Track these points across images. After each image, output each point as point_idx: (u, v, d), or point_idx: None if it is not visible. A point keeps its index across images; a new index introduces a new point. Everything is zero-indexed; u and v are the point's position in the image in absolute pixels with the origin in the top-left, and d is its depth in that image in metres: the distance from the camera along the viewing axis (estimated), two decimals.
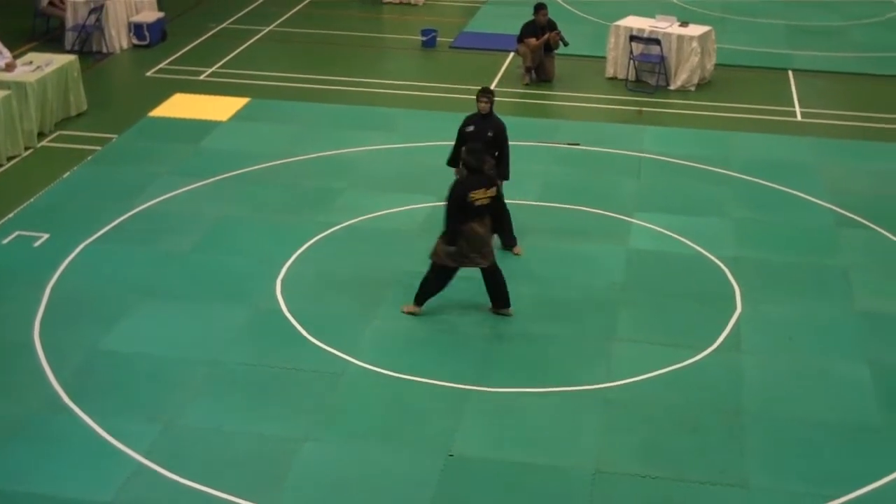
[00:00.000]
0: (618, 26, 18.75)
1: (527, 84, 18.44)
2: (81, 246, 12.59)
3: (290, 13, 22.51)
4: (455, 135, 12.44)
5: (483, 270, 11.21)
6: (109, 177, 14.44)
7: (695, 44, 18.21)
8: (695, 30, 18.46)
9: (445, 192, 11.06)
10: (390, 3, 23.37)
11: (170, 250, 12.55)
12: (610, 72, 18.90)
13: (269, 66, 19.15)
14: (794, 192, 14.38)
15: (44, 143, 15.60)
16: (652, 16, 19.14)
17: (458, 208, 10.89)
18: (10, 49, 16.79)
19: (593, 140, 15.92)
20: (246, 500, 8.70)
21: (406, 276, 11.67)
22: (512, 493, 8.87)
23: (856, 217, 13.69)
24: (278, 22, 21.86)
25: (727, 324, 11.31)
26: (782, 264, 12.56)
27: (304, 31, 21.38)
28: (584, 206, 13.82)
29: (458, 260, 11.05)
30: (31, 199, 13.73)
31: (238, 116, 16.63)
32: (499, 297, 11.31)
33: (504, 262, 12.18)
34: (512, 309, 11.34)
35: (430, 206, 13.27)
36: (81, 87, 16.66)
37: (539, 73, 18.52)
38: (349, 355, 10.61)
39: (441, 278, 11.19)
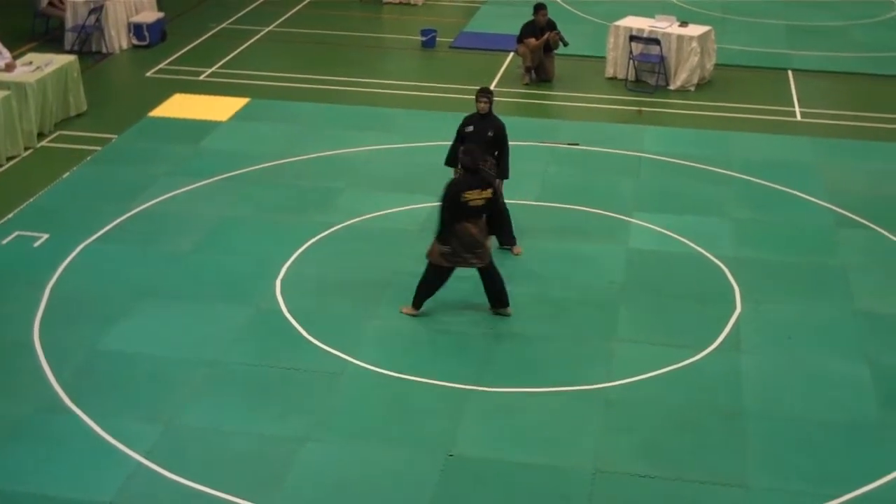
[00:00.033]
0: (617, 26, 18.76)
1: (526, 84, 18.44)
2: (81, 246, 12.59)
3: (290, 13, 22.51)
4: (454, 135, 12.45)
5: (479, 271, 11.21)
6: (109, 177, 14.45)
7: (694, 44, 18.22)
8: (694, 30, 18.47)
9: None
10: (390, 3, 23.38)
11: (170, 250, 12.56)
12: (610, 72, 18.91)
13: (269, 66, 19.15)
14: (794, 192, 14.38)
15: (43, 143, 15.61)
16: (651, 16, 19.15)
17: (452, 207, 10.90)
18: (10, 49, 16.79)
19: (593, 140, 15.93)
20: (246, 500, 8.70)
21: (406, 277, 11.68)
22: (511, 492, 8.88)
23: (855, 217, 13.69)
24: (278, 22, 21.86)
25: (727, 324, 11.32)
26: (782, 264, 12.56)
27: (303, 31, 21.38)
28: (583, 206, 13.83)
29: (453, 260, 11.05)
30: (31, 200, 13.73)
31: (238, 116, 16.63)
32: (496, 298, 11.31)
33: (504, 262, 12.20)
34: (510, 308, 11.35)
35: (430, 206, 13.26)
36: (81, 88, 16.67)
37: (539, 73, 18.52)
38: (349, 355, 10.61)
39: (437, 278, 11.20)
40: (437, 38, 20.52)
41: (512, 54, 19.38)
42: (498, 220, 11.89)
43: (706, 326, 11.25)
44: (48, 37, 20.14)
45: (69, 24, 19.50)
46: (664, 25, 18.51)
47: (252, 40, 20.64)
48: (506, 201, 12.52)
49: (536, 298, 11.73)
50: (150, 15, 20.37)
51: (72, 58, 16.74)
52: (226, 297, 11.61)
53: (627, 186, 14.45)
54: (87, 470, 8.98)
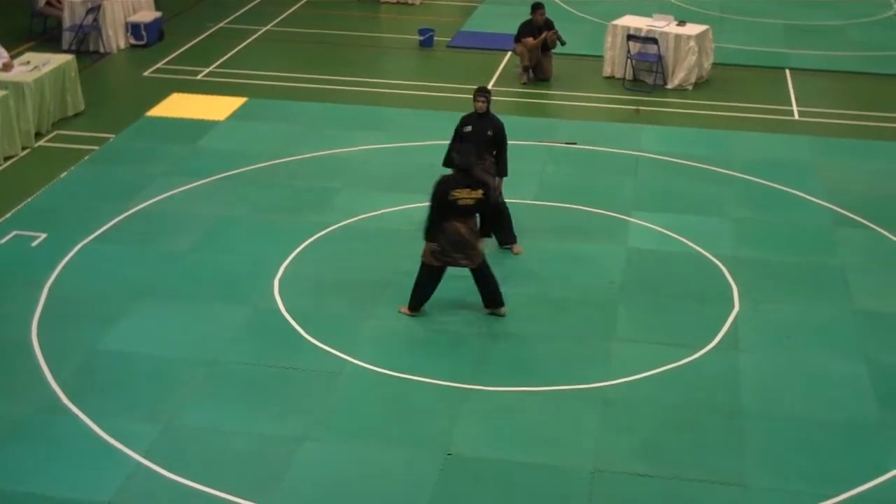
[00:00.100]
0: (615, 25, 18.76)
1: (524, 83, 18.44)
2: (79, 246, 12.58)
3: (288, 13, 22.50)
4: (452, 134, 12.44)
5: (472, 271, 11.20)
6: (107, 177, 14.43)
7: (692, 43, 18.22)
8: (692, 29, 18.47)
9: None
10: (387, 2, 23.36)
11: (168, 250, 12.55)
12: (607, 71, 18.91)
13: (267, 65, 19.14)
14: (793, 192, 14.39)
15: (41, 142, 15.60)
16: (649, 15, 19.16)
17: (439, 205, 10.91)
18: (8, 49, 16.77)
19: (591, 139, 15.93)
20: (245, 499, 8.70)
21: (403, 276, 11.67)
22: (511, 492, 8.87)
23: (854, 216, 13.70)
24: (275, 21, 21.85)
25: (725, 323, 11.32)
26: (780, 263, 12.56)
27: (301, 30, 21.37)
28: (581, 206, 13.83)
29: (443, 259, 11.05)
30: (29, 199, 13.72)
31: (235, 116, 16.62)
32: (490, 298, 11.30)
33: (502, 262, 12.21)
34: (505, 308, 11.33)
35: (428, 206, 13.24)
36: (79, 87, 16.65)
37: (536, 72, 18.52)
38: (347, 355, 10.61)
39: (429, 278, 11.18)
40: (435, 38, 20.51)
41: (510, 53, 19.38)
42: (494, 220, 11.91)
43: (705, 326, 11.25)
44: (46, 36, 20.13)
45: (67, 23, 19.49)
46: (662, 24, 18.51)
47: (249, 40, 20.63)
48: (504, 200, 12.55)
49: (535, 298, 11.73)
50: (147, 14, 20.36)
51: (69, 57, 16.73)
52: (224, 297, 11.60)
53: (626, 186, 14.45)
54: (86, 470, 8.97)
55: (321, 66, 19.13)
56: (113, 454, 9.16)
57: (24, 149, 15.31)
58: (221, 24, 21.53)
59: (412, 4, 23.30)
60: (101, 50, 19.59)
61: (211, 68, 18.89)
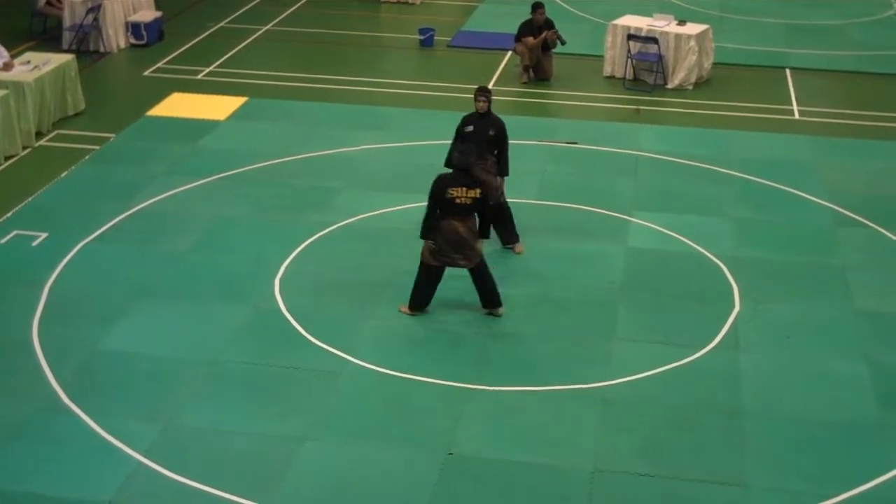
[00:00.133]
0: (615, 25, 18.76)
1: (524, 83, 18.44)
2: (80, 245, 12.58)
3: (288, 12, 22.50)
4: (453, 134, 12.44)
5: (470, 271, 11.20)
6: (107, 176, 14.44)
7: (692, 42, 18.22)
8: (692, 28, 18.47)
9: None
10: (388, 2, 23.36)
11: (168, 250, 12.55)
12: (608, 70, 18.91)
13: (267, 65, 19.15)
14: (793, 191, 14.39)
15: (42, 142, 15.60)
16: (649, 14, 19.15)
17: (436, 202, 10.93)
18: (8, 48, 16.76)
19: (591, 139, 15.93)
20: (246, 499, 8.70)
21: (404, 276, 11.67)
22: (511, 492, 8.88)
23: (854, 216, 13.70)
24: (276, 21, 21.85)
25: (726, 322, 11.32)
26: (781, 263, 12.56)
27: (301, 30, 21.37)
28: (582, 205, 13.83)
29: (441, 259, 11.05)
30: (30, 199, 13.72)
31: (236, 116, 16.63)
32: (487, 298, 11.29)
33: (503, 261, 12.22)
34: (503, 309, 11.33)
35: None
36: (79, 87, 16.66)
37: (537, 71, 18.52)
38: (348, 354, 10.61)
39: (429, 278, 11.18)
40: (435, 37, 20.51)
41: (510, 53, 19.38)
42: (495, 220, 11.93)
43: (705, 326, 11.25)
44: (46, 36, 20.13)
45: (67, 23, 19.49)
46: (662, 24, 18.51)
47: (250, 39, 20.63)
48: (506, 200, 12.55)
49: (535, 298, 11.73)
50: (147, 14, 20.36)
51: (70, 57, 16.73)
52: (224, 297, 11.60)
53: (626, 185, 14.45)
54: (86, 469, 8.97)
55: (321, 66, 19.13)
56: (113, 454, 9.16)
57: (24, 148, 15.31)
58: (222, 24, 21.53)
59: (412, 4, 23.30)
60: (102, 49, 19.59)
61: (211, 68, 18.89)
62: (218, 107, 16.91)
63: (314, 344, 10.79)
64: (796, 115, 17.30)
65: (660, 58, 18.22)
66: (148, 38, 19.96)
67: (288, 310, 11.37)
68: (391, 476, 9.01)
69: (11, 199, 13.65)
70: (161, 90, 17.61)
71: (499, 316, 11.31)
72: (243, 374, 10.30)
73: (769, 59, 19.86)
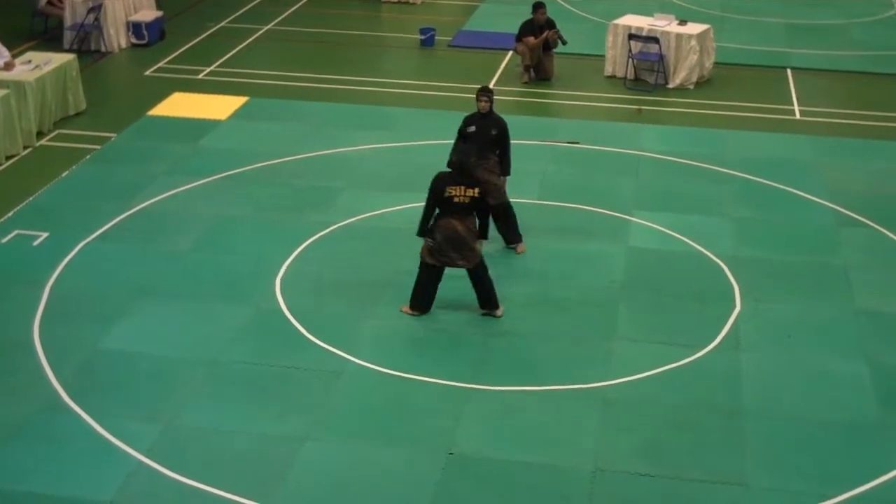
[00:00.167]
0: (616, 25, 18.76)
1: (525, 83, 18.44)
2: (80, 245, 12.59)
3: (289, 12, 22.50)
4: (455, 135, 12.44)
5: (468, 272, 11.19)
6: (108, 176, 14.44)
7: (693, 42, 18.22)
8: (693, 28, 18.47)
9: None
10: (389, 1, 23.37)
11: (169, 249, 12.55)
12: (609, 70, 18.91)
13: (268, 64, 19.15)
14: (794, 191, 14.39)
15: (43, 142, 15.60)
16: (650, 14, 19.15)
17: (434, 201, 10.95)
18: (9, 48, 16.77)
19: (592, 139, 15.93)
20: (246, 498, 8.70)
21: (405, 276, 11.67)
22: (511, 491, 8.88)
23: (855, 216, 13.70)
24: (277, 21, 21.86)
25: (726, 322, 11.32)
26: (781, 263, 12.56)
27: (302, 29, 21.38)
28: (583, 205, 13.83)
29: (440, 258, 11.05)
30: (31, 199, 13.73)
31: (237, 115, 16.63)
32: (485, 300, 11.28)
33: (504, 260, 12.22)
34: (501, 310, 11.32)
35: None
36: (80, 87, 16.66)
37: (538, 71, 18.52)
38: (349, 354, 10.61)
39: (430, 277, 11.18)
40: (436, 37, 20.52)
41: (511, 53, 19.38)
42: (499, 220, 11.93)
43: (706, 325, 11.25)
44: (47, 36, 20.13)
45: (68, 22, 19.49)
46: (663, 24, 18.51)
47: (251, 39, 20.64)
48: (509, 200, 12.54)
49: (536, 297, 11.73)
50: (148, 14, 20.36)
51: (71, 57, 16.74)
52: (225, 297, 11.61)
53: (627, 185, 14.45)
54: (87, 469, 8.98)
55: (322, 66, 19.13)
56: (114, 453, 9.17)
57: (25, 148, 15.32)
58: (222, 24, 21.53)
59: (413, 4, 23.30)
60: (103, 49, 19.60)
61: (212, 67, 18.90)
62: (219, 106, 16.91)
63: (315, 344, 10.80)
64: (797, 115, 17.30)
65: (661, 57, 18.22)
66: (149, 37, 19.96)
67: (289, 310, 11.37)
68: (391, 476, 9.02)
69: (12, 199, 13.66)
70: (162, 90, 17.61)
71: (497, 317, 11.30)
72: (244, 374, 10.31)
73: (770, 59, 19.86)
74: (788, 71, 19.25)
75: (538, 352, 10.80)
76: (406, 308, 11.34)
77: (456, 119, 12.70)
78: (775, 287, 12.04)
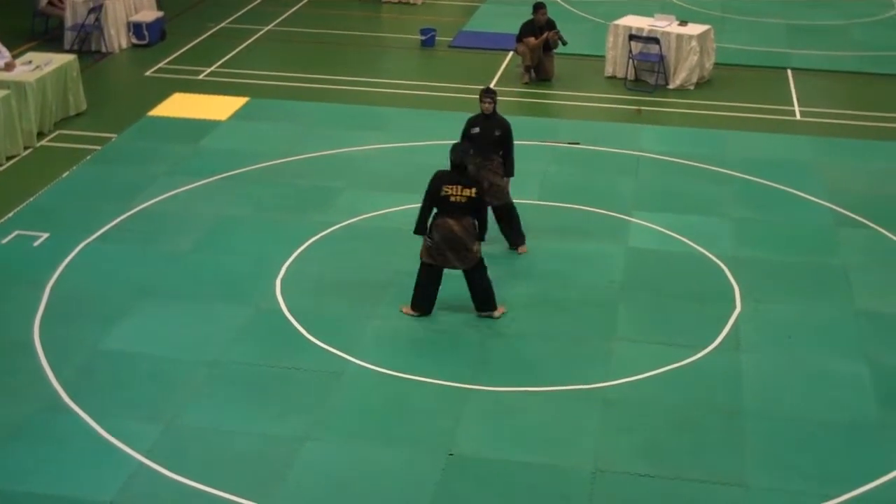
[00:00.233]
0: (617, 25, 18.77)
1: (526, 83, 18.45)
2: (81, 245, 12.59)
3: (289, 13, 22.51)
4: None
5: (464, 273, 11.19)
6: (109, 176, 14.45)
7: (694, 43, 18.23)
8: (694, 29, 18.48)
9: None
10: (389, 2, 23.38)
11: (169, 250, 12.56)
12: (609, 71, 18.92)
13: (269, 65, 19.16)
14: (794, 192, 14.39)
15: (43, 142, 15.61)
16: (651, 15, 19.16)
17: (431, 199, 10.95)
18: (10, 49, 16.79)
19: (592, 139, 15.93)
20: (247, 499, 8.71)
21: (405, 276, 11.67)
22: (512, 492, 8.88)
23: (855, 216, 13.70)
24: (277, 21, 21.87)
25: (726, 323, 11.32)
26: (782, 263, 12.57)
27: (303, 30, 21.39)
28: (583, 206, 13.84)
29: (438, 258, 11.05)
30: (31, 199, 13.74)
31: (237, 116, 16.64)
32: (481, 301, 11.27)
33: (504, 261, 12.23)
34: (499, 311, 11.32)
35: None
36: (81, 87, 16.67)
37: (538, 72, 18.53)
38: (349, 355, 10.62)
39: (429, 278, 11.17)
40: (437, 38, 20.52)
41: (511, 53, 19.39)
42: (501, 220, 11.92)
43: (706, 326, 11.26)
44: (48, 36, 20.14)
45: (68, 23, 19.50)
46: (663, 24, 18.51)
47: (251, 40, 20.65)
48: (513, 201, 12.54)
49: (536, 298, 11.74)
50: (149, 14, 20.37)
51: (71, 57, 16.74)
52: (226, 297, 11.61)
53: (627, 186, 14.45)
54: (87, 469, 8.98)
55: (323, 66, 19.14)
56: (114, 454, 9.17)
57: (26, 148, 15.33)
58: (223, 24, 21.54)
59: (414, 4, 23.31)
60: (103, 50, 19.61)
61: (213, 68, 18.91)
62: (219, 107, 16.92)
63: (315, 344, 10.80)
64: (797, 116, 17.30)
65: (661, 58, 18.23)
66: (149, 38, 19.97)
67: (289, 310, 11.37)
68: (391, 476, 9.02)
69: (13, 200, 13.66)
70: (162, 90, 17.62)
71: (495, 318, 11.29)
72: (244, 375, 10.31)
73: (770, 60, 19.86)
74: (789, 71, 19.26)
75: (538, 352, 10.81)
76: (406, 308, 11.34)
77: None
78: (775, 287, 12.05)
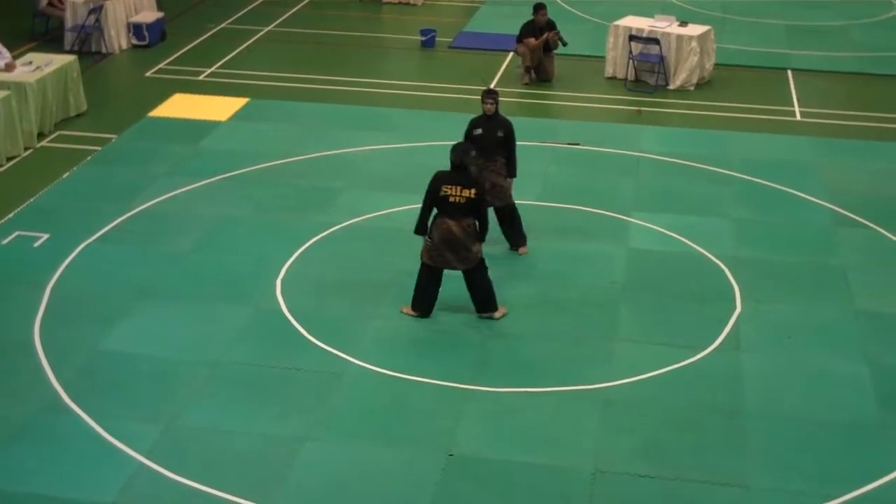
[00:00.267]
0: (617, 26, 18.77)
1: (526, 84, 18.45)
2: (81, 246, 12.60)
3: (290, 13, 22.52)
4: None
5: (464, 273, 11.19)
6: (109, 177, 14.45)
7: (694, 43, 18.23)
8: (694, 29, 18.48)
9: None
10: (389, 3, 23.39)
11: (170, 250, 12.56)
12: (609, 71, 18.92)
13: (269, 66, 19.16)
14: (794, 192, 14.39)
15: (43, 143, 15.61)
16: (651, 15, 19.16)
17: (431, 199, 10.95)
18: (10, 49, 16.79)
19: (593, 140, 15.94)
20: (247, 499, 8.71)
21: (406, 277, 11.68)
22: (512, 492, 8.88)
23: (855, 217, 13.71)
24: (277, 22, 21.87)
25: (727, 323, 11.33)
26: (782, 264, 12.57)
27: (303, 31, 21.39)
28: (583, 206, 13.84)
29: (437, 258, 11.04)
30: (31, 200, 13.74)
31: (237, 116, 16.64)
32: (481, 302, 11.26)
33: (504, 261, 12.24)
34: (500, 312, 11.31)
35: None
36: (81, 88, 16.67)
37: (538, 72, 18.53)
38: (349, 355, 10.62)
39: (429, 278, 11.17)
40: (437, 38, 20.53)
41: (511, 54, 19.39)
42: (503, 221, 11.92)
43: (706, 326, 11.26)
44: (48, 37, 20.14)
45: (69, 24, 19.51)
46: (664, 25, 18.52)
47: (251, 40, 20.65)
48: (515, 202, 12.55)
49: (537, 298, 11.74)
50: (149, 15, 20.38)
51: (71, 58, 16.75)
52: (226, 297, 11.61)
53: (627, 186, 14.46)
54: (88, 470, 8.99)
55: (323, 67, 19.14)
56: (115, 454, 9.17)
57: (26, 149, 15.33)
58: (223, 25, 21.55)
59: (414, 5, 23.32)
60: (104, 50, 19.61)
61: (213, 69, 18.91)
62: (220, 108, 16.93)
63: (316, 345, 10.80)
64: (798, 117, 17.30)
65: (661, 59, 18.23)
66: (150, 38, 19.98)
67: (290, 310, 11.38)
68: (392, 476, 9.02)
69: (13, 200, 13.67)
70: (163, 91, 17.63)
71: (496, 319, 11.30)
72: (245, 375, 10.32)
73: (771, 61, 19.87)
74: (789, 72, 19.27)
75: (538, 352, 10.81)
76: (407, 309, 11.35)
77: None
78: (775, 288, 12.05)
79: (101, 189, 14.07)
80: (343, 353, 10.65)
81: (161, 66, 19.05)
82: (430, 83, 18.47)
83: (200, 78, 18.45)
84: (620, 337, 11.09)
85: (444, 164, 11.36)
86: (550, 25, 18.22)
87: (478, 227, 11.05)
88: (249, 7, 22.81)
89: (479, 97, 12.42)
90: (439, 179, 10.97)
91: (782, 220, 13.64)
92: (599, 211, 13.73)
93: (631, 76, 18.57)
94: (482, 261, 11.18)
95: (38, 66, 16.06)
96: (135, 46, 19.95)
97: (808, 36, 21.32)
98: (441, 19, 22.13)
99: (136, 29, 19.96)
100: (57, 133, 15.95)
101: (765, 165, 15.16)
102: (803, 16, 22.63)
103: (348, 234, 13.03)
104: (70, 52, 18.71)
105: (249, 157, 15.08)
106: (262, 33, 21.09)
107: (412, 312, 11.30)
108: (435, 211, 11.04)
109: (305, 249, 12.64)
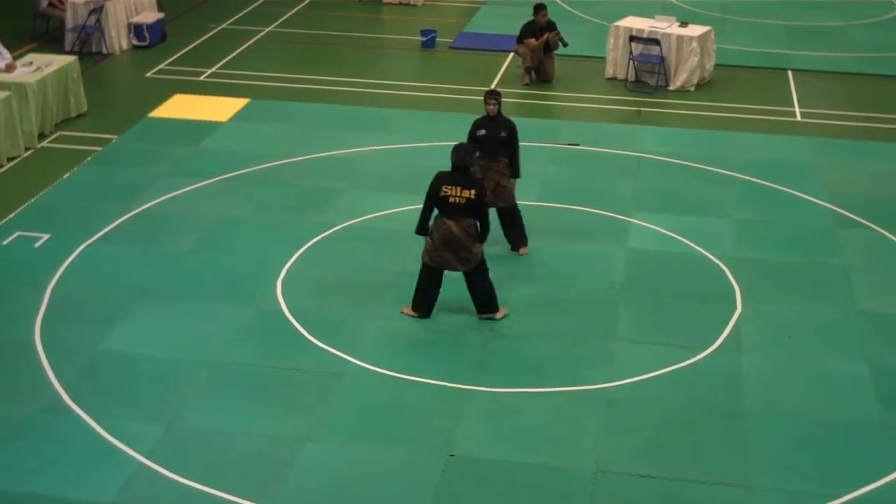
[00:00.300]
0: (617, 27, 18.77)
1: (526, 84, 18.46)
2: (82, 246, 12.60)
3: (290, 14, 22.53)
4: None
5: (465, 275, 11.18)
6: (110, 177, 14.45)
7: (694, 44, 18.23)
8: (694, 30, 18.48)
9: None
10: (390, 3, 23.39)
11: (170, 251, 12.57)
12: (609, 72, 18.92)
13: (269, 66, 19.16)
14: (794, 192, 14.40)
15: (44, 143, 15.62)
16: (651, 16, 19.17)
17: (431, 200, 10.96)
18: (11, 50, 16.80)
19: (593, 140, 15.94)
20: (248, 500, 8.71)
21: (406, 277, 11.68)
22: (512, 493, 8.89)
23: (855, 217, 13.71)
24: (278, 22, 21.87)
25: (727, 324, 11.33)
26: (782, 264, 12.57)
27: (303, 31, 21.40)
28: (583, 207, 13.84)
29: (438, 259, 11.04)
30: (32, 200, 13.74)
31: (238, 117, 16.64)
32: (482, 303, 11.26)
33: (505, 261, 12.23)
34: (501, 313, 11.31)
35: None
36: (81, 88, 16.68)
37: (539, 73, 18.53)
38: (350, 356, 10.62)
39: (430, 279, 11.17)
40: (437, 39, 20.53)
41: (512, 55, 19.39)
42: (505, 222, 11.92)
43: (707, 326, 11.26)
44: (48, 37, 20.15)
45: (69, 24, 19.51)
46: (664, 26, 18.52)
47: (252, 41, 20.66)
48: (517, 203, 12.55)
49: (537, 298, 11.74)
50: (150, 15, 20.39)
51: (72, 58, 16.75)
52: (227, 298, 11.62)
53: (627, 187, 14.46)
54: (88, 470, 8.99)
55: (323, 68, 19.15)
56: (115, 455, 9.18)
57: (26, 150, 15.33)
58: (224, 26, 21.55)
59: (414, 6, 23.32)
60: (104, 51, 19.62)
61: (213, 69, 18.91)
62: (220, 108, 16.93)
63: (316, 345, 10.81)
64: (798, 117, 17.31)
65: (661, 59, 18.23)
66: (150, 39, 19.98)
67: (290, 311, 11.38)
68: (392, 477, 9.03)
69: (14, 201, 13.67)
70: (163, 91, 17.63)
71: (497, 320, 11.30)
72: (245, 375, 10.32)
73: (771, 61, 19.87)
74: (789, 73, 19.27)
75: (539, 353, 10.81)
76: (407, 309, 11.35)
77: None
78: (776, 288, 12.05)
79: (102, 189, 14.07)
80: (343, 353, 10.65)
81: (161, 66, 19.05)
82: (431, 84, 18.47)
83: (201, 78, 18.45)
84: (621, 337, 11.09)
85: (445, 165, 11.37)
86: (551, 26, 18.22)
87: (479, 228, 11.04)
88: (250, 8, 22.81)
89: (482, 98, 12.42)
90: (440, 180, 10.97)
91: (782, 221, 13.64)
92: (600, 211, 13.74)
93: (631, 77, 18.57)
94: (483, 262, 11.18)
95: (39, 67, 16.06)
96: (135, 47, 19.95)
97: (808, 36, 21.33)
98: (441, 20, 22.13)
99: (136, 29, 19.96)
100: (57, 133, 15.95)
101: (765, 166, 15.16)
102: (803, 16, 22.64)
103: (349, 235, 13.04)
104: (70, 52, 18.72)
105: (250, 157, 15.09)
106: (262, 34, 21.10)
107: (412, 313, 11.31)
108: (436, 212, 11.04)
109: (306, 250, 12.64)
